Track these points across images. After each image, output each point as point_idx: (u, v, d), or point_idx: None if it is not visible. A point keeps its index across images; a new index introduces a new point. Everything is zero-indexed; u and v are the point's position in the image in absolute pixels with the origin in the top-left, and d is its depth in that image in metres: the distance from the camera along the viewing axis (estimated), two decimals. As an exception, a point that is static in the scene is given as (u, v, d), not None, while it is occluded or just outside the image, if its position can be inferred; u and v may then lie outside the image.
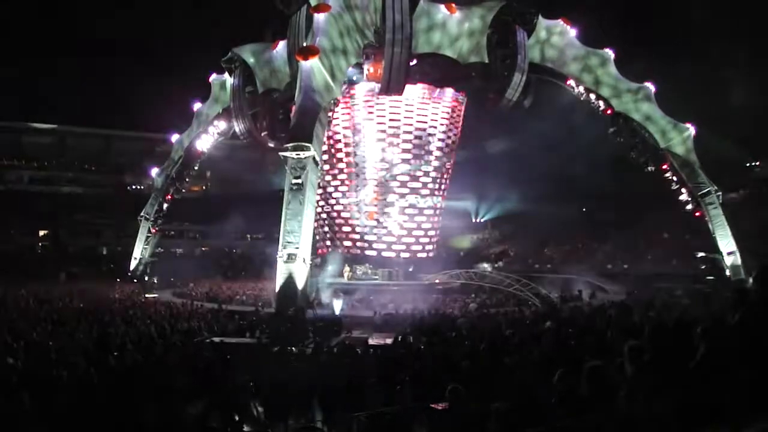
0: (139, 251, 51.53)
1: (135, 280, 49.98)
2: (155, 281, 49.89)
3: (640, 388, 4.81)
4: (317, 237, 52.59)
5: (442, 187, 53.33)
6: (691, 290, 34.88)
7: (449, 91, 50.53)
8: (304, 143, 29.60)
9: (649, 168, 45.24)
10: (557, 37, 45.61)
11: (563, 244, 62.42)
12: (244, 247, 71.85)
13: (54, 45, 79.47)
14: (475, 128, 55.19)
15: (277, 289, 28.17)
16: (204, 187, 78.51)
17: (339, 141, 50.76)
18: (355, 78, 44.64)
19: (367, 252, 50.47)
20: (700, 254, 42.64)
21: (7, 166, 76.03)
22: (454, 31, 42.95)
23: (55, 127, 75.70)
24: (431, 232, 52.84)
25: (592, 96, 45.25)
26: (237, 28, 68.79)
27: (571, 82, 45.58)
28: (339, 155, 51.09)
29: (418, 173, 50.95)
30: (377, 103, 48.67)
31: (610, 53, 45.27)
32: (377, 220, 50.78)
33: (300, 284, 27.93)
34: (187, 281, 52.41)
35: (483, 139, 58.18)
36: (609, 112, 45.08)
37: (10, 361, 13.95)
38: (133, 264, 51.58)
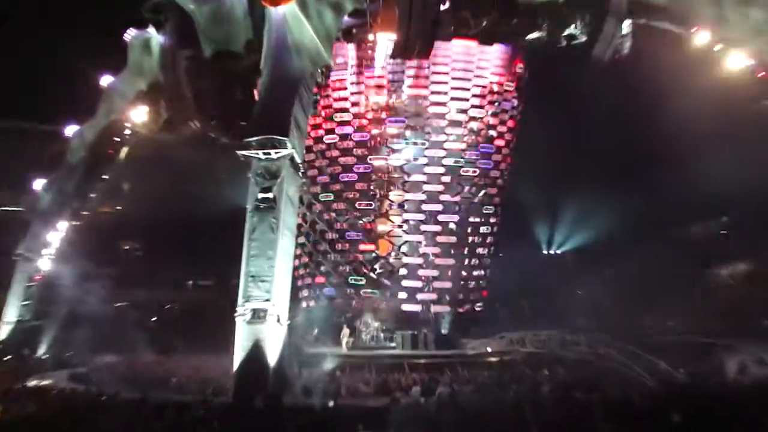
0: (15, 311, 51.38)
1: (9, 356, 49.67)
2: (42, 357, 49.62)
3: None
4: (300, 281, 52.96)
5: (495, 201, 53.59)
6: None
7: (501, 51, 51.07)
8: (276, 136, 29.85)
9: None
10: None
11: (688, 289, 61.80)
12: (182, 300, 71.83)
13: None
14: (542, 108, 55.37)
15: (235, 366, 28.19)
16: (118, 208, 78.54)
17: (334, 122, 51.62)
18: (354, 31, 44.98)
19: (379, 304, 50.69)
20: None
21: None
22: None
23: None
24: (479, 272, 52.98)
25: (735, 52, 45.10)
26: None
27: (700, 31, 45.46)
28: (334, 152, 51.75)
29: (455, 178, 51.62)
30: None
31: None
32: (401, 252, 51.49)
33: (273, 357, 27.94)
34: (92, 356, 52.21)
35: (556, 126, 58.19)
36: (764, 74, 44.86)
37: None
38: (4, 331, 51.28)
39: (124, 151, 54.04)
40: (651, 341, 45.49)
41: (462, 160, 52.18)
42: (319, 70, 36.99)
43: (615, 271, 59.07)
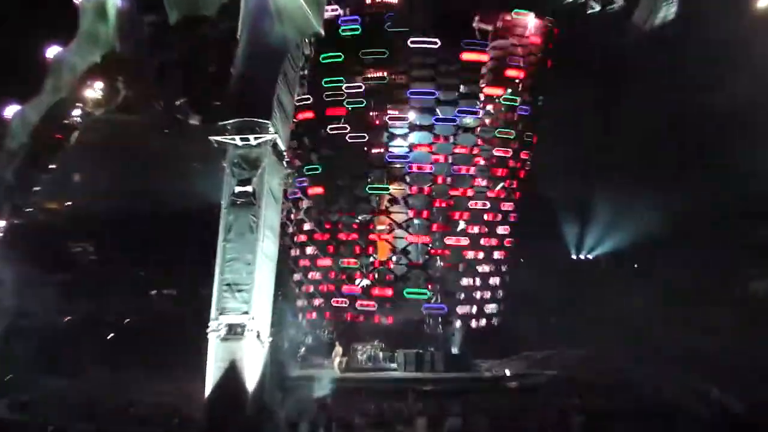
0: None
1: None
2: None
3: None
4: (284, 289, 52.99)
5: (515, 196, 53.77)
6: None
7: (523, 18, 51.25)
8: (256, 119, 29.91)
9: None
10: None
11: (747, 301, 61.88)
12: (144, 312, 71.79)
13: None
14: (572, 86, 55.41)
15: (207, 392, 28.26)
16: (68, 203, 78.67)
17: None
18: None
19: (378, 317, 51.03)
20: None
21: None
22: None
23: None
24: (496, 280, 53.26)
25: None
26: None
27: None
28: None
29: (467, 169, 51.78)
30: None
31: None
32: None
33: (251, 381, 28.03)
34: (37, 380, 52.14)
35: (589, 107, 58.21)
36: None
37: None
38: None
39: (75, 135, 53.67)
40: (702, 363, 45.46)
41: (476, 147, 52.25)
42: (307, 40, 36.93)
43: (659, 279, 58.85)
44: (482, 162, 52.63)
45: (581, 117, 57.43)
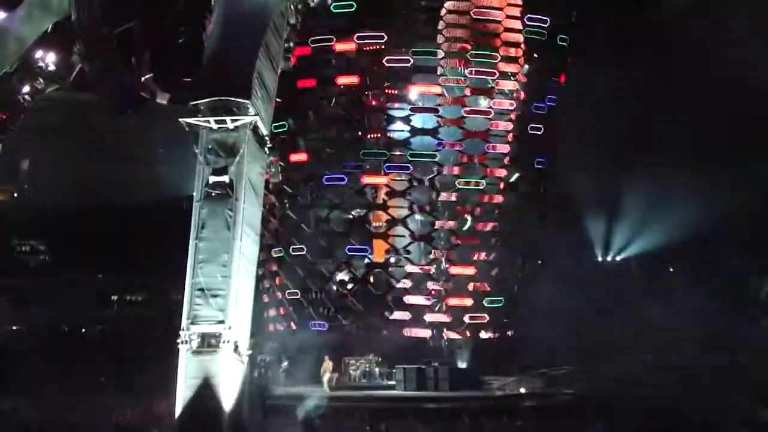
0: None
1: None
2: None
3: None
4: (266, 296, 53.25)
5: (531, 189, 53.64)
6: None
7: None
8: (234, 98, 29.90)
9: None
10: None
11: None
12: (105, 321, 71.53)
13: None
14: (598, 65, 55.56)
15: (178, 411, 28.26)
16: (14, 195, 78.74)
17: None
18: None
19: (375, 324, 51.38)
20: None
21: None
22: None
23: None
24: (510, 285, 53.56)
25: None
26: None
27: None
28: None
29: (478, 158, 51.88)
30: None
31: None
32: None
33: (228, 400, 28.05)
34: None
35: (618, 89, 58.23)
36: None
37: None
38: None
39: (22, 116, 53.52)
40: (750, 383, 45.50)
41: (489, 132, 52.20)
42: (292, 7, 36.95)
43: (699, 285, 58.73)
44: (496, 149, 52.42)
45: (609, 95, 57.36)
